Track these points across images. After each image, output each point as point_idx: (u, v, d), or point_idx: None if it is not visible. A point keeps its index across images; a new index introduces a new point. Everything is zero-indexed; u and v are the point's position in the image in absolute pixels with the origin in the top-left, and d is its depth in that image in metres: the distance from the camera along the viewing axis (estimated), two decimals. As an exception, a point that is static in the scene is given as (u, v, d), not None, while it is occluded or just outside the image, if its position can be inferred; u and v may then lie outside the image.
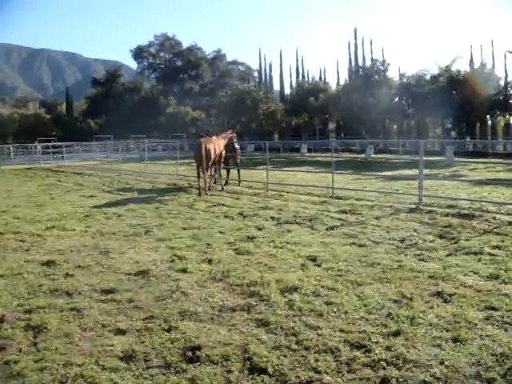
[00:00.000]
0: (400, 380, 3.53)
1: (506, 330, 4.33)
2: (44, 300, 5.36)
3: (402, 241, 7.90)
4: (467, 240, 7.84)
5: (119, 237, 8.82)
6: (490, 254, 6.88)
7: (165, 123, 70.01)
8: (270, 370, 3.72)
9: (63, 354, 4.07)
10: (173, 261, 6.94)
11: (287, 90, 79.64)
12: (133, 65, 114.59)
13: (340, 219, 10.03)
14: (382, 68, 60.94)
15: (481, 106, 47.28)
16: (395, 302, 5.08)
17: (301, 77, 77.95)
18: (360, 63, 69.70)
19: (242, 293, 5.52)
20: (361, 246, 7.66)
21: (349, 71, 72.54)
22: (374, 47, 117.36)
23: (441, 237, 8.17)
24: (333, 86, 70.02)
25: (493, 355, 3.86)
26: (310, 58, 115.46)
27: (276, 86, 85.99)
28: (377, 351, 3.96)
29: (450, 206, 11.14)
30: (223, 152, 16.65)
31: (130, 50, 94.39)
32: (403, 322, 4.52)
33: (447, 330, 4.34)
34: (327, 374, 3.67)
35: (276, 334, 4.36)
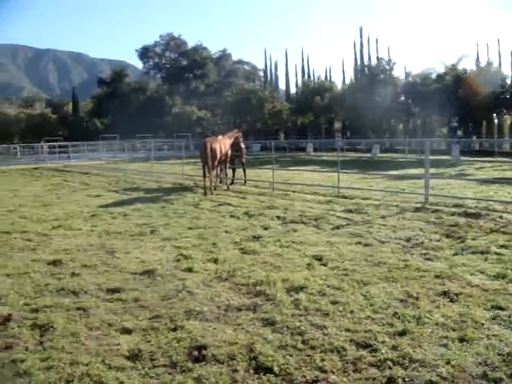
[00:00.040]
0: (406, 380, 3.52)
1: (512, 329, 4.31)
2: (50, 299, 5.38)
3: (408, 240, 7.88)
4: (474, 239, 7.81)
5: (125, 236, 8.84)
6: (496, 254, 6.84)
7: (170, 123, 70.18)
8: (275, 369, 3.72)
9: (69, 352, 4.08)
10: (179, 260, 6.95)
11: (293, 90, 79.74)
12: (139, 65, 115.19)
13: (346, 218, 10.01)
14: (387, 67, 60.78)
15: (487, 104, 47.02)
16: (401, 301, 5.07)
17: (306, 76, 77.98)
18: (366, 62, 69.62)
19: (248, 292, 5.52)
20: (367, 245, 7.65)
21: (354, 70, 72.51)
22: (380, 46, 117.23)
23: (447, 236, 8.13)
24: (338, 85, 70.11)
25: (499, 355, 3.84)
26: (316, 57, 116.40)
27: (282, 86, 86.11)
28: (383, 351, 3.94)
29: (456, 205, 11.10)
30: (229, 151, 16.66)
31: (136, 50, 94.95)
32: (409, 322, 4.50)
33: (453, 330, 4.32)
34: (333, 373, 3.66)
35: (282, 334, 4.36)
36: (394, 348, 3.99)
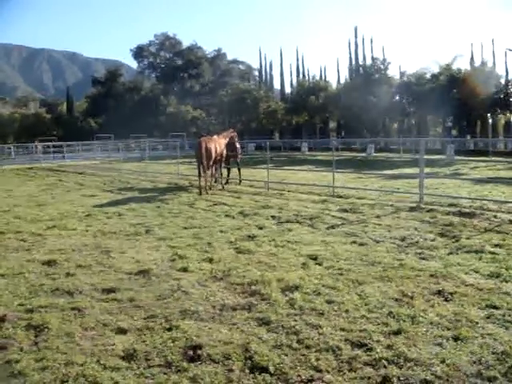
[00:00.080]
0: (401, 379, 3.53)
1: (507, 328, 4.32)
2: (45, 299, 5.36)
3: (403, 239, 7.90)
4: (468, 238, 7.84)
5: (120, 236, 8.82)
6: (490, 253, 6.87)
7: (165, 122, 70.05)
8: (271, 368, 3.72)
9: (64, 353, 4.07)
10: (174, 260, 6.95)
11: (288, 89, 79.88)
12: (133, 64, 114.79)
13: (341, 218, 10.03)
14: (382, 66, 60.93)
15: (481, 104, 47.24)
16: (396, 300, 5.08)
17: (301, 75, 78.10)
18: (360, 62, 69.82)
19: (243, 292, 5.52)
20: (362, 244, 7.66)
21: (349, 70, 72.75)
22: (375, 46, 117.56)
23: (442, 235, 8.16)
24: (333, 84, 70.30)
25: (494, 354, 3.86)
26: (311, 56, 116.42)
27: (276, 85, 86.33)
28: (378, 350, 3.95)
29: (450, 205, 11.14)
30: (224, 151, 16.66)
31: (131, 50, 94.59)
32: (404, 321, 4.51)
33: (448, 329, 4.34)
34: (328, 372, 3.67)
35: (277, 333, 4.36)
36: (389, 347, 4.00)
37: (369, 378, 3.57)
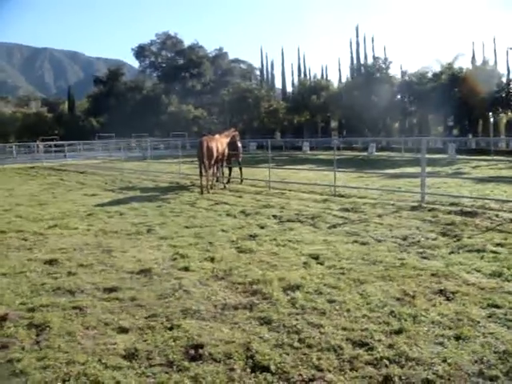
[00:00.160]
0: (402, 378, 3.53)
1: (508, 327, 4.32)
2: (47, 298, 5.37)
3: (405, 239, 7.89)
4: (470, 238, 7.83)
5: (122, 235, 8.83)
6: (492, 252, 6.86)
7: (167, 122, 70.08)
8: (272, 367, 3.72)
9: (66, 352, 4.07)
10: (175, 259, 6.95)
11: (289, 88, 79.92)
12: (135, 63, 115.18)
13: (342, 217, 10.02)
14: (383, 66, 60.90)
15: (483, 103, 47.16)
16: (398, 299, 5.07)
17: (302, 75, 78.12)
18: (362, 61, 69.92)
19: (245, 291, 5.52)
20: (363, 244, 7.65)
21: (350, 69, 72.73)
22: (376, 45, 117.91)
23: (443, 234, 8.15)
24: (335, 83, 70.18)
25: (495, 353, 3.85)
26: (312, 55, 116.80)
27: (278, 84, 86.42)
28: (379, 349, 3.95)
29: (452, 204, 11.13)
30: (226, 150, 16.66)
31: (132, 49, 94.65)
32: (406, 320, 4.51)
33: (450, 328, 4.33)
34: (330, 371, 3.66)
35: (278, 332, 4.36)
36: (391, 346, 4.00)
37: (370, 377, 3.57)
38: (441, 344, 4.04)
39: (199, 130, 67.29)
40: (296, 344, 4.11)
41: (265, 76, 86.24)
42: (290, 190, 14.81)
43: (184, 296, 5.37)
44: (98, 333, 4.47)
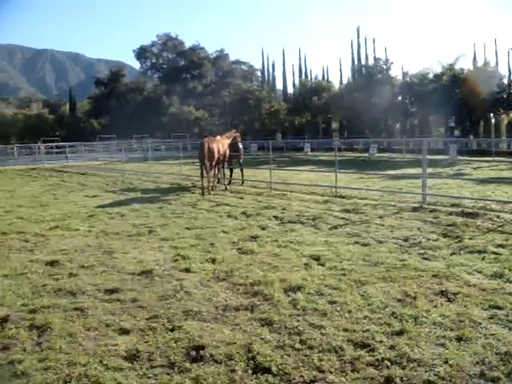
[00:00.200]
0: (404, 379, 3.52)
1: (510, 328, 4.31)
2: (48, 300, 5.37)
3: (406, 240, 7.88)
4: (471, 239, 7.82)
5: (123, 237, 8.83)
6: (494, 253, 6.86)
7: (168, 123, 70.19)
8: (273, 369, 3.72)
9: (67, 353, 4.08)
10: (176, 260, 6.95)
11: (290, 90, 80.00)
12: (136, 65, 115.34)
13: (343, 218, 10.02)
14: (384, 67, 60.98)
15: (484, 104, 47.19)
16: (399, 301, 5.07)
17: (303, 76, 78.15)
18: (363, 62, 69.93)
19: (246, 292, 5.51)
20: (364, 245, 7.65)
21: (352, 70, 72.71)
22: (377, 46, 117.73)
23: (444, 235, 8.15)
24: (336, 85, 70.30)
25: (497, 354, 3.85)
26: (313, 57, 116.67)
27: (279, 86, 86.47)
28: (381, 350, 3.95)
29: (453, 205, 11.13)
30: (227, 151, 16.66)
31: (133, 50, 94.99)
32: (407, 321, 4.51)
33: (451, 329, 4.33)
34: (331, 373, 3.66)
35: (280, 334, 4.36)
36: (392, 348, 3.99)
37: (372, 378, 3.57)
38: (442, 345, 4.03)
39: (200, 131, 67.37)
40: (297, 345, 4.11)
41: (266, 77, 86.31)
42: (291, 191, 14.81)
43: (185, 297, 5.37)
44: (99, 334, 4.47)
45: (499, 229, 8.61)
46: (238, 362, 3.85)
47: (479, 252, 6.94)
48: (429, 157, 13.48)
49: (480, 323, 4.43)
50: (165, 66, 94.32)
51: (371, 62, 66.44)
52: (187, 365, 3.83)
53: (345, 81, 72.97)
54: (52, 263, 6.93)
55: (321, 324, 4.50)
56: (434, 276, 5.88)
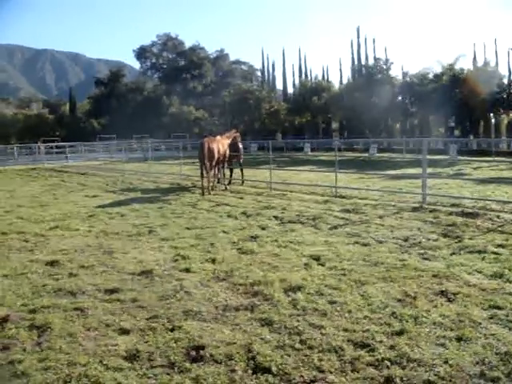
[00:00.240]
0: (404, 379, 3.52)
1: (510, 328, 4.31)
2: (48, 300, 5.37)
3: (406, 240, 7.88)
4: (471, 239, 7.82)
5: (123, 237, 8.83)
6: (494, 253, 6.86)
7: (168, 123, 70.19)
8: (273, 369, 3.72)
9: (67, 353, 4.08)
10: (176, 260, 6.95)
11: (290, 90, 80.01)
12: (136, 65, 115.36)
13: (343, 218, 10.02)
14: (384, 67, 60.99)
15: (484, 104, 47.20)
16: (399, 301, 5.07)
17: (304, 76, 78.14)
18: (363, 62, 69.94)
19: (246, 292, 5.51)
20: (364, 245, 7.65)
21: (352, 70, 72.71)
22: (377, 46, 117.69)
23: (444, 235, 8.15)
24: (336, 85, 70.31)
25: (497, 354, 3.85)
26: (313, 57, 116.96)
27: (279, 86, 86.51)
28: (381, 350, 3.95)
29: (453, 205, 11.12)
30: (227, 152, 16.66)
31: (133, 50, 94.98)
32: (407, 321, 4.51)
33: (451, 329, 4.33)
34: (331, 373, 3.66)
35: (280, 334, 4.36)
36: (392, 348, 3.99)
37: (372, 378, 3.57)
38: (442, 345, 4.03)
39: (200, 131, 67.38)
40: (297, 345, 4.11)
41: (266, 77, 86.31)
42: (291, 191, 14.81)
43: (185, 297, 5.37)
44: (99, 334, 4.47)
45: (499, 229, 8.61)
46: (238, 362, 3.85)
47: (479, 252, 6.94)
48: (429, 157, 13.48)
49: (480, 323, 4.43)
50: (165, 66, 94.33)
51: (371, 62, 66.49)
52: (187, 365, 3.83)
53: (345, 81, 73.08)
54: (52, 263, 6.93)
55: (321, 324, 4.50)
56: (434, 276, 5.88)
